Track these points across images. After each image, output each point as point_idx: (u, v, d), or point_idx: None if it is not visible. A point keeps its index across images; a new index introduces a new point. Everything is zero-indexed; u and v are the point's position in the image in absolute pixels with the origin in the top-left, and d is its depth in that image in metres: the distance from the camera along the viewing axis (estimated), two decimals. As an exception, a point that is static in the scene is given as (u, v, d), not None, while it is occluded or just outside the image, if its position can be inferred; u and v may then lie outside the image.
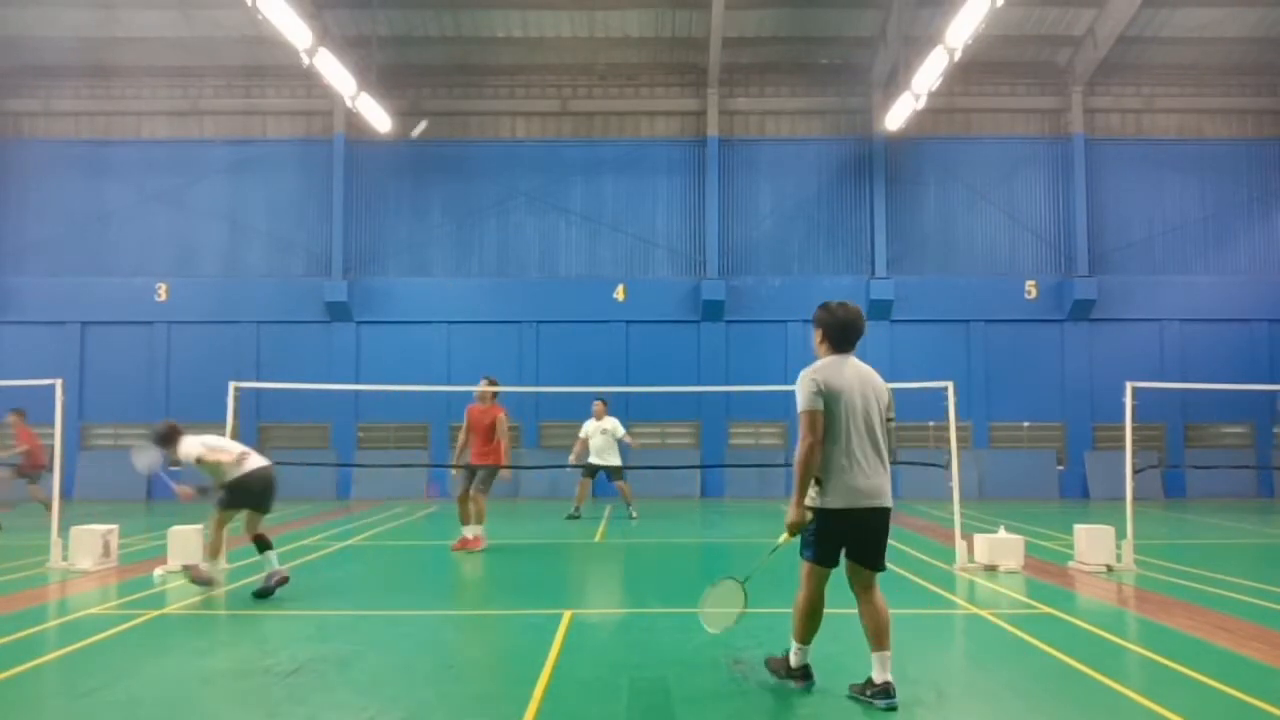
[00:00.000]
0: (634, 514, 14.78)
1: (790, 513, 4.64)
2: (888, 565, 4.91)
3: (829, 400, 4.60)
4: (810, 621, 4.81)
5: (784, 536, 4.77)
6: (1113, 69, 21.44)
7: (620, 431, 14.84)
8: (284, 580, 7.71)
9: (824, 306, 4.89)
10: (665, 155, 21.93)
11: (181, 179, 21.72)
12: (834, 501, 4.55)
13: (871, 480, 4.58)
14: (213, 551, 8.25)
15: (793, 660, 4.92)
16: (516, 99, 22.09)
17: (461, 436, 11.17)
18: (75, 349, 21.19)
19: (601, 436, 14.69)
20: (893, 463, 4.86)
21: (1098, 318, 21.24)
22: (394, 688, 5.06)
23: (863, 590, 4.72)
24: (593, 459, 14.63)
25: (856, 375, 4.74)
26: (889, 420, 4.71)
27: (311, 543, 11.99)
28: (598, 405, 14.84)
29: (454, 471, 12.10)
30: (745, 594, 5.10)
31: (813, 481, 4.59)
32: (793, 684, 4.91)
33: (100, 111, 22.04)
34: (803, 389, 4.64)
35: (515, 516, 14.95)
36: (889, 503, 4.65)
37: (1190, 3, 19.90)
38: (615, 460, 14.75)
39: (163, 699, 4.86)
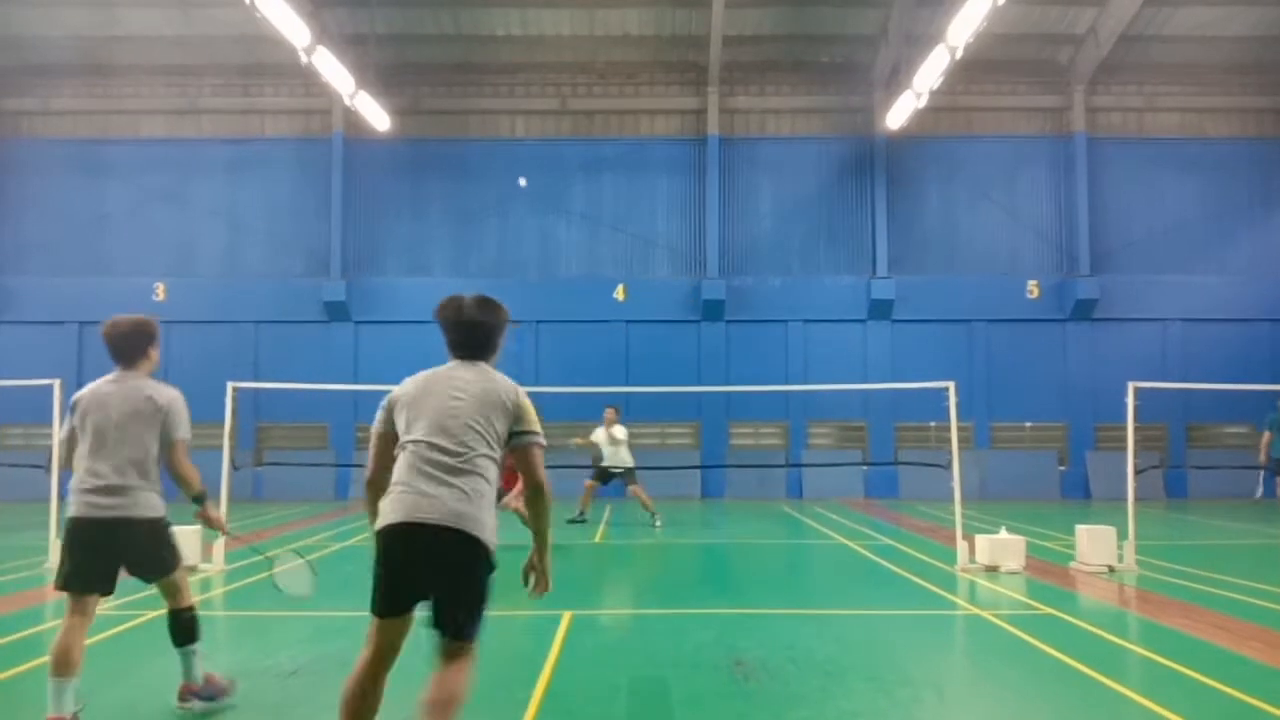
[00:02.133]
0: (657, 522, 13.86)
1: None
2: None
3: (396, 414, 3.50)
4: (349, 707, 3.37)
5: None
6: (1114, 68, 21.40)
7: (621, 435, 14.27)
8: None
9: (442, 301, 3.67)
10: (665, 154, 21.89)
11: (180, 178, 21.70)
12: (380, 519, 3.32)
13: (428, 495, 3.26)
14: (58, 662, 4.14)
15: None
16: (516, 97, 22.06)
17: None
18: (73, 349, 21.16)
19: (612, 446, 14.20)
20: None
21: (1100, 317, 21.20)
22: (394, 689, 5.00)
23: (437, 656, 3.42)
24: (606, 463, 14.27)
25: (443, 381, 3.51)
26: (521, 435, 3.54)
27: (311, 543, 11.95)
28: (610, 412, 14.36)
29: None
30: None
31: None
32: None
33: (98, 110, 22.02)
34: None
35: (515, 517, 14.90)
36: (457, 524, 3.24)
37: (1192, 1, 19.87)
38: (628, 460, 14.23)
39: (162, 700, 4.83)
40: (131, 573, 4.38)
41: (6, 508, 16.82)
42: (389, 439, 3.50)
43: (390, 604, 3.36)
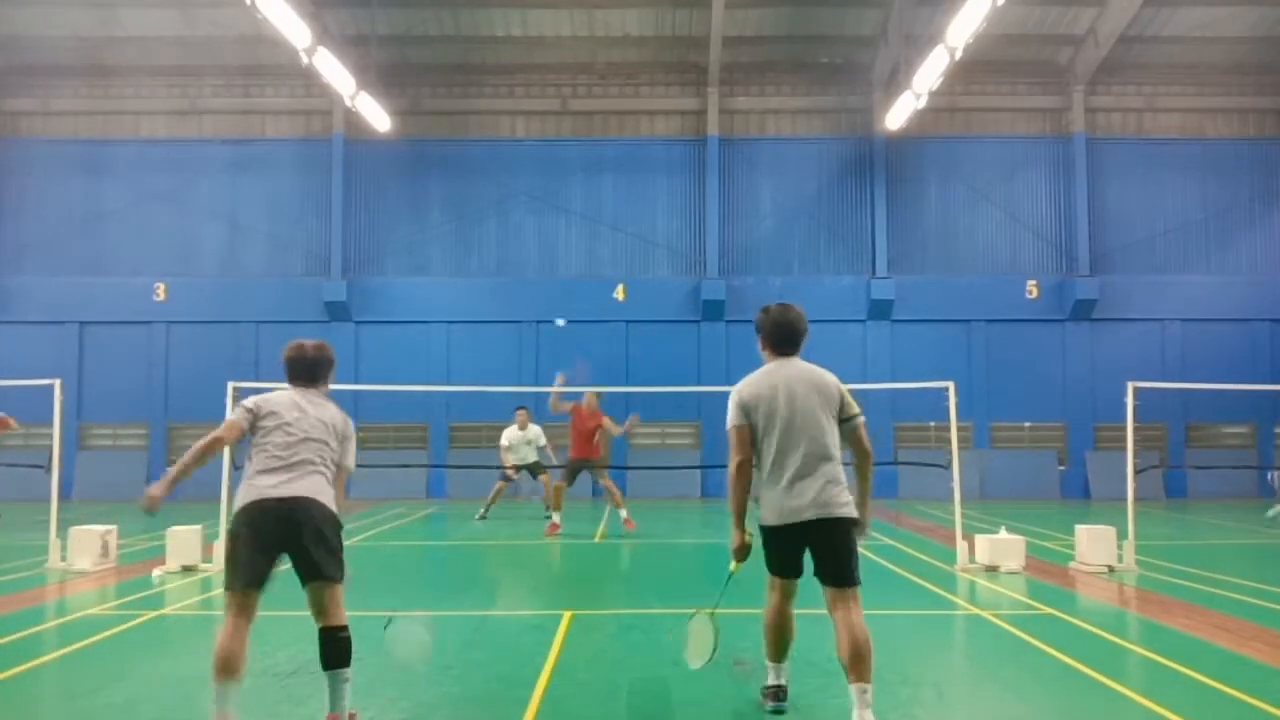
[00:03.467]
0: (556, 517, 13.11)
1: (732, 538, 4.35)
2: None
3: (751, 412, 4.27)
4: (775, 635, 4.49)
5: (734, 565, 4.43)
6: (1114, 68, 21.40)
7: (543, 440, 14.29)
8: None
9: (763, 309, 4.54)
10: (665, 154, 21.90)
11: (180, 178, 21.70)
12: (768, 518, 4.25)
13: (809, 492, 4.15)
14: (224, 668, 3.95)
15: (767, 679, 4.61)
16: (516, 98, 22.07)
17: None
18: (74, 349, 21.17)
19: (526, 447, 14.14)
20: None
21: (1099, 317, 21.20)
22: (394, 689, 5.04)
23: (831, 609, 4.25)
24: (513, 461, 14.12)
25: (789, 379, 4.30)
26: (849, 419, 4.32)
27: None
28: (521, 414, 14.23)
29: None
30: (715, 626, 4.65)
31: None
32: (765, 703, 4.55)
33: (99, 111, 22.01)
34: (730, 404, 4.37)
35: (515, 518, 14.94)
36: (839, 512, 4.19)
37: (1191, 2, 19.87)
38: (534, 458, 14.24)
39: (161, 700, 4.83)
40: (302, 563, 4.09)
41: (5, 507, 16.80)
42: (749, 432, 4.29)
43: (791, 569, 4.36)
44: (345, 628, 4.13)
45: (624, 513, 12.68)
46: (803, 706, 4.69)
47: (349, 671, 4.06)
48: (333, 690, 4.05)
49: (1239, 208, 21.69)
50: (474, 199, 21.73)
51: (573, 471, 12.86)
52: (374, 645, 6.01)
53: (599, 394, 13.28)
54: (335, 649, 4.07)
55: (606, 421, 12.74)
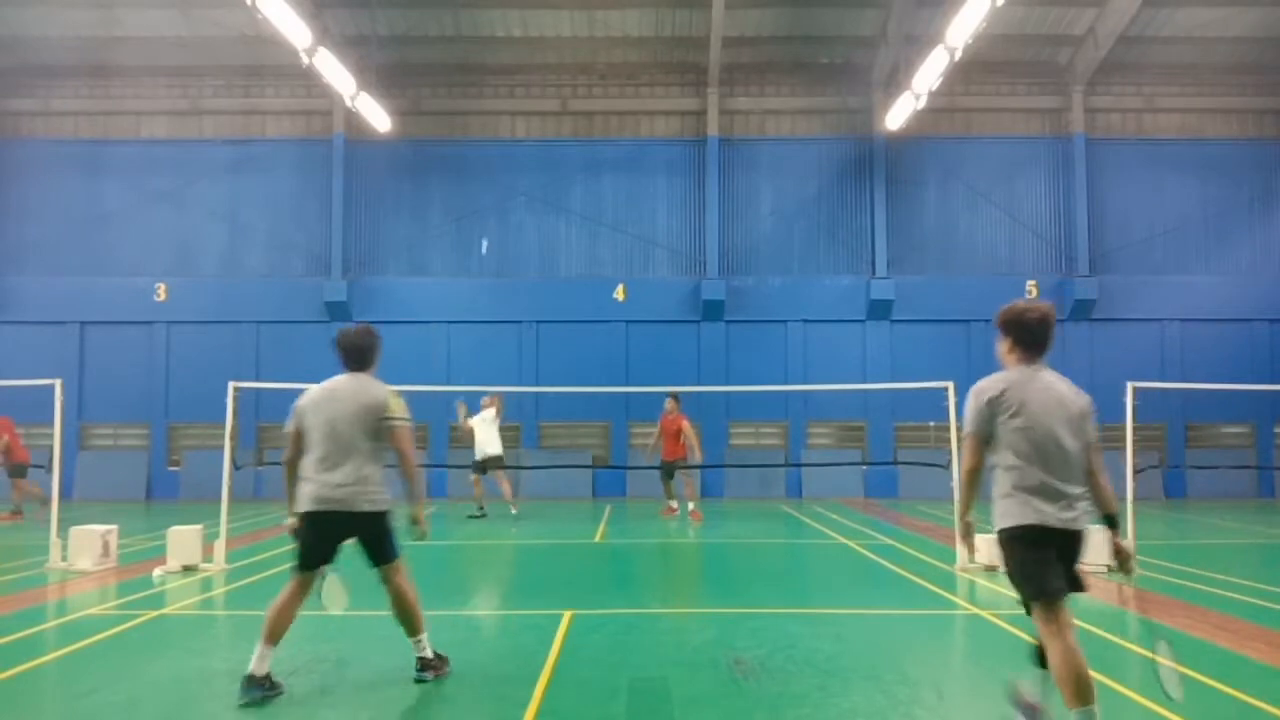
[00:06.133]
0: (515, 508, 15.12)
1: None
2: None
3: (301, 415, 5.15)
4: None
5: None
6: (1113, 68, 21.42)
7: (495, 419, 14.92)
8: None
9: None
10: (665, 155, 21.91)
11: (181, 179, 21.71)
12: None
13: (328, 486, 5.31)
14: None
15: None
16: (516, 98, 22.08)
17: (653, 440, 15.03)
18: (74, 349, 21.18)
19: (489, 426, 14.82)
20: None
21: (1098, 318, 21.21)
22: (393, 688, 5.06)
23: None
24: (482, 452, 14.77)
25: (331, 392, 5.31)
26: (382, 422, 5.42)
27: (311, 543, 11.96)
28: (493, 401, 15.04)
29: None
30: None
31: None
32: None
33: (99, 111, 22.02)
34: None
35: (515, 516, 14.94)
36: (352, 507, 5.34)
37: (1191, 2, 19.87)
38: (496, 450, 14.81)
39: (161, 700, 4.85)
40: None
41: (10, 507, 16.81)
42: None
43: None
44: None
45: (692, 505, 14.45)
46: (803, 706, 4.71)
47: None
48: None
49: (1238, 208, 21.70)
50: (474, 199, 21.74)
51: (668, 471, 14.59)
52: (375, 645, 6.03)
53: (677, 397, 14.83)
54: None
55: (686, 425, 14.39)
